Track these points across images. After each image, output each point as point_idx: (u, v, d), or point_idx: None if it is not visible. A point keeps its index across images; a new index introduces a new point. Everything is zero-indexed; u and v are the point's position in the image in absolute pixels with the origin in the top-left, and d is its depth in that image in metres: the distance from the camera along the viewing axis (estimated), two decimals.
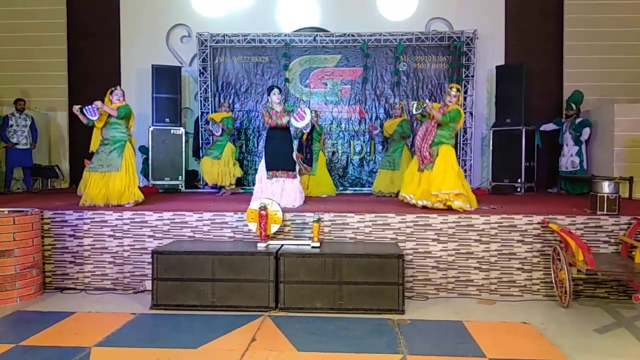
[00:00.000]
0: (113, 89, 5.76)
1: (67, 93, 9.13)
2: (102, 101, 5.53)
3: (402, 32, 8.40)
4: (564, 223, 4.59)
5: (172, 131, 8.19)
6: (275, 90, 5.68)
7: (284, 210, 4.77)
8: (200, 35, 8.49)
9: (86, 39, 9.10)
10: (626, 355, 3.27)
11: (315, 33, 8.52)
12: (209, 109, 8.47)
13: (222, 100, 8.08)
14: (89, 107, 5.42)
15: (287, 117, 5.65)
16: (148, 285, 4.62)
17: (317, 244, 4.42)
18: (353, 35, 8.40)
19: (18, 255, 4.41)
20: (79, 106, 5.46)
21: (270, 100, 5.71)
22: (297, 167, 5.83)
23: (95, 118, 5.45)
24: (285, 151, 5.69)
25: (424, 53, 8.49)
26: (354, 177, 8.57)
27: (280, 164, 5.64)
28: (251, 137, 8.62)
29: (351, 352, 3.23)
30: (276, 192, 5.55)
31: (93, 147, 5.66)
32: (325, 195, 7.20)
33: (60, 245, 4.92)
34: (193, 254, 4.23)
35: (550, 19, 8.70)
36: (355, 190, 8.36)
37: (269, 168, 5.65)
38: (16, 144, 7.75)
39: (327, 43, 8.49)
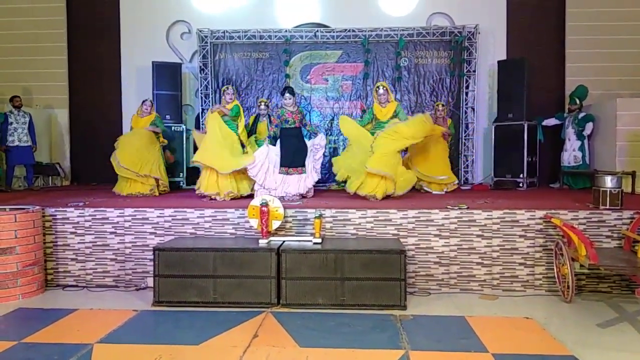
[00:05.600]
0: (225, 87, 6.27)
1: (67, 90, 9.11)
2: (220, 102, 5.95)
3: (403, 27, 8.35)
4: (566, 218, 4.58)
5: (173, 128, 8.16)
6: (287, 95, 5.86)
7: (286, 206, 4.76)
8: (200, 31, 8.46)
9: (86, 36, 9.06)
10: (629, 349, 3.27)
11: (316, 29, 8.48)
12: (209, 105, 8.43)
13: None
14: None
15: (300, 115, 5.94)
16: (150, 282, 4.62)
17: (319, 240, 4.41)
18: (354, 31, 8.36)
19: (20, 253, 4.43)
20: None
21: (283, 103, 5.92)
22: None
23: None
24: (299, 149, 5.90)
25: (425, 48, 8.44)
26: None
27: (294, 161, 5.85)
28: None
29: (353, 348, 3.23)
30: (278, 181, 5.81)
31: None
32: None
33: (62, 242, 4.92)
34: (194, 251, 4.23)
35: (552, 13, 8.64)
36: None
37: (282, 164, 5.85)
38: (11, 143, 7.66)
39: (327, 39, 8.45)
